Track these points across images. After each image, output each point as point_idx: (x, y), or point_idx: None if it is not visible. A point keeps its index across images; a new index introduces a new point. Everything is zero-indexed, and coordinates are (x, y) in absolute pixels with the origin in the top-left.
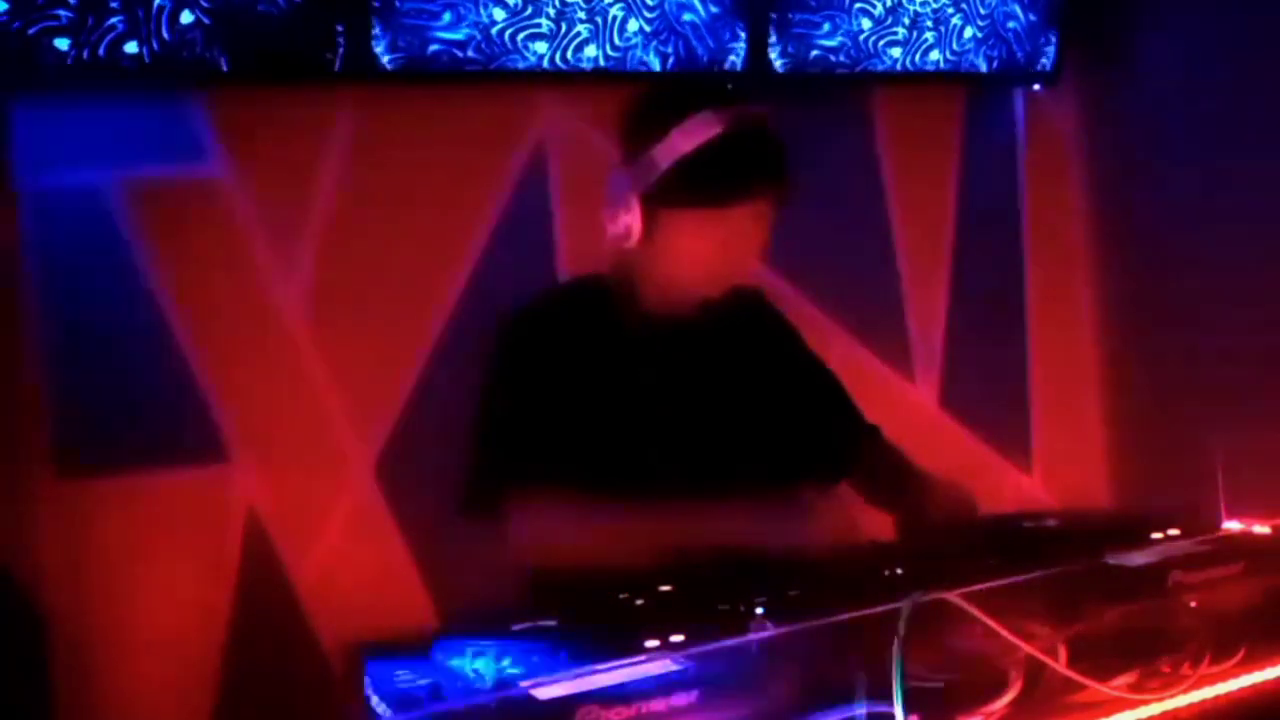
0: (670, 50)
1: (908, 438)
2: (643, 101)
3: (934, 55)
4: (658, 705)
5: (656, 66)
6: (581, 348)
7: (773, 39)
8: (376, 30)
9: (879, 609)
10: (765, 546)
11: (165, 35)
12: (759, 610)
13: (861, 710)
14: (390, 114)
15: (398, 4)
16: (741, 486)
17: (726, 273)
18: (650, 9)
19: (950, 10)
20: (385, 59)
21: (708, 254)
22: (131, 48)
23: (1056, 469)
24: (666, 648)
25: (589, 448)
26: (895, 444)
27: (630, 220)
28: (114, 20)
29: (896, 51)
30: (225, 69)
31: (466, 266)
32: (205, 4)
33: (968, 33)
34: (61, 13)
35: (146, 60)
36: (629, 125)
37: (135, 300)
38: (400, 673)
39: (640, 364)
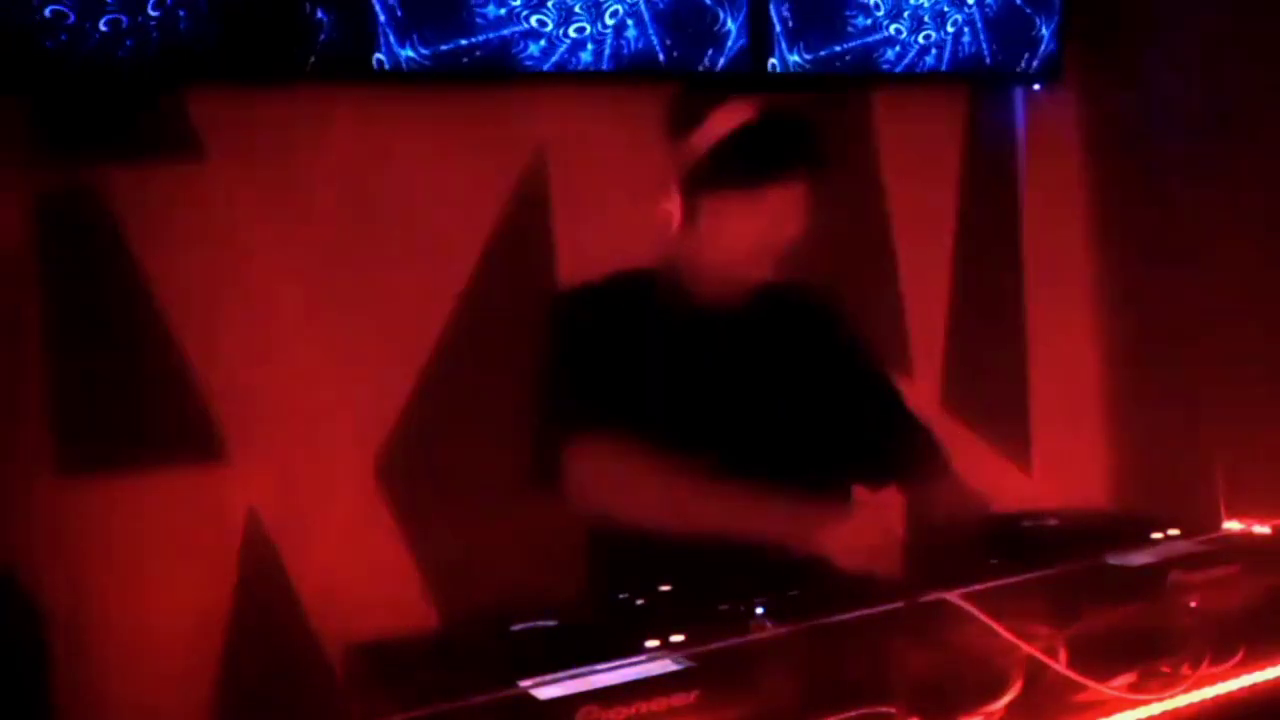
0: (671, 50)
1: None
2: (683, 93)
3: (934, 55)
4: (658, 705)
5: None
6: (627, 325)
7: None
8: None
9: (879, 609)
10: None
11: (166, 34)
12: (759, 610)
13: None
14: (390, 114)
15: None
16: (787, 478)
17: (764, 257)
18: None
19: (950, 10)
20: (385, 59)
21: (745, 237)
22: (131, 47)
23: (1056, 469)
24: (666, 648)
25: (635, 424)
26: (940, 444)
27: (670, 206)
28: (114, 19)
29: (897, 52)
30: (225, 68)
31: (466, 267)
32: (206, 2)
33: (968, 32)
34: (61, 11)
35: (146, 59)
36: (671, 116)
37: (134, 300)
38: None
39: (684, 348)
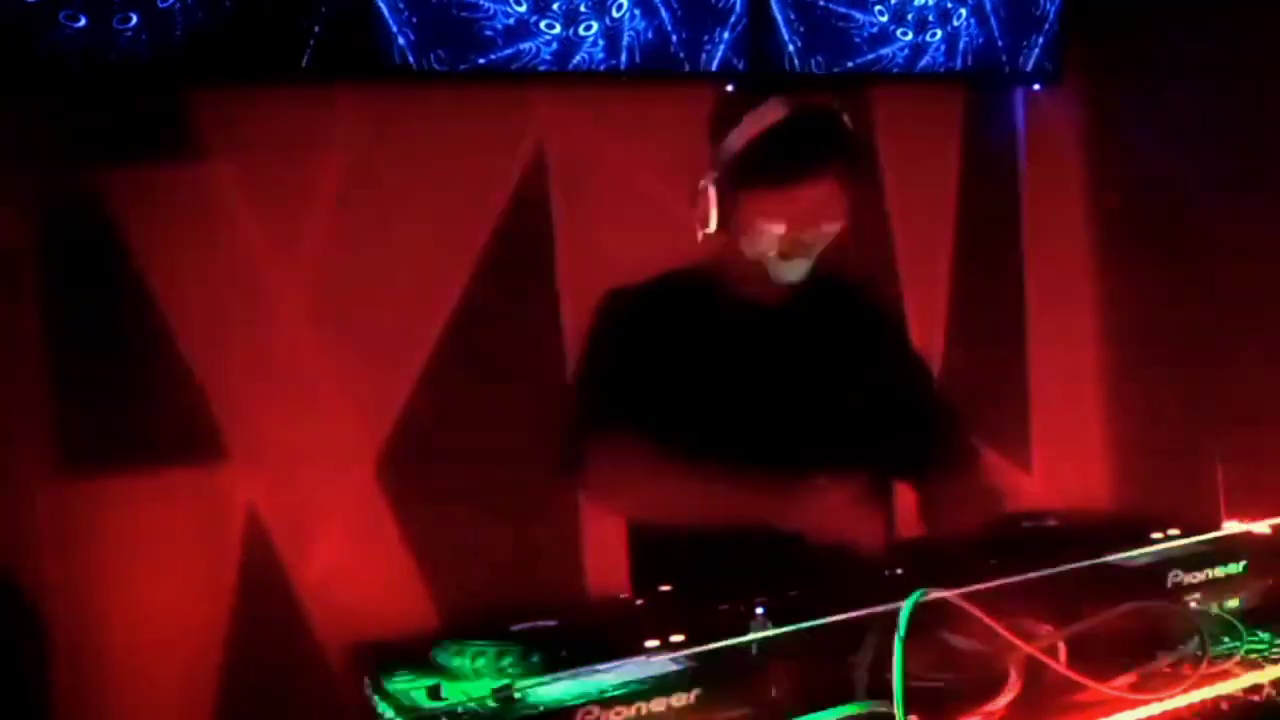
0: (680, 31)
1: None
2: (724, 98)
3: (934, 55)
4: (658, 705)
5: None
6: (670, 323)
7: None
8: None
9: (879, 609)
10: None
11: (166, 34)
12: (759, 610)
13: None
14: (390, 114)
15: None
16: (812, 471)
17: (800, 256)
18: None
19: (951, 9)
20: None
21: (779, 235)
22: (132, 46)
23: (1056, 469)
24: (666, 648)
25: (665, 417)
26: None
27: (705, 205)
28: (115, 19)
29: (897, 51)
30: (225, 68)
31: (466, 266)
32: (206, 2)
33: (968, 32)
34: (63, 11)
35: (147, 59)
36: (712, 121)
37: (134, 300)
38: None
39: (725, 344)
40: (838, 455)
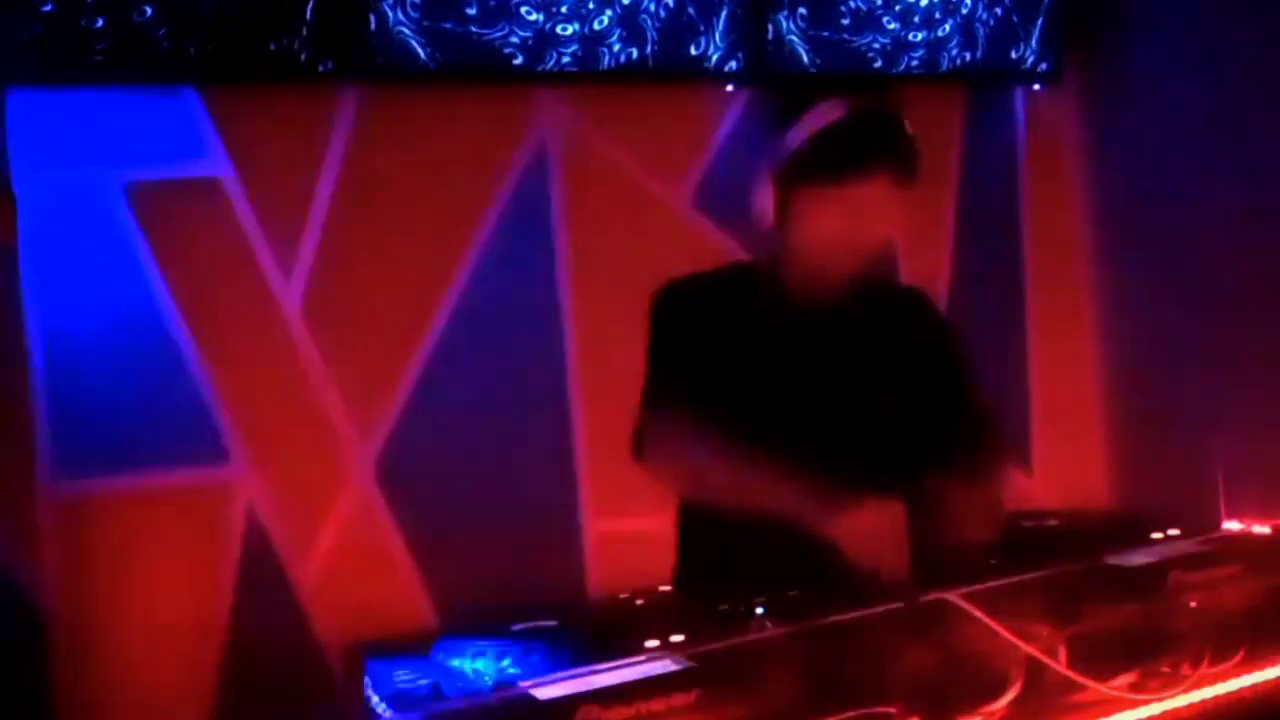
0: (670, 49)
1: None
2: (785, 96)
3: (935, 55)
4: (658, 705)
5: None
6: (716, 319)
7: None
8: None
9: (879, 609)
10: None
11: (167, 34)
12: (759, 610)
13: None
14: (390, 114)
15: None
16: (848, 478)
17: (853, 254)
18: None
19: (950, 10)
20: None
21: (831, 233)
22: (133, 47)
23: (1056, 469)
24: (666, 648)
25: (710, 411)
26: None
27: (763, 201)
28: (116, 20)
29: (897, 52)
30: (225, 68)
31: (466, 266)
32: (209, 3)
33: (967, 32)
34: (63, 12)
35: (147, 59)
36: (773, 118)
37: (135, 300)
38: (400, 673)
39: (770, 343)
40: (876, 464)
